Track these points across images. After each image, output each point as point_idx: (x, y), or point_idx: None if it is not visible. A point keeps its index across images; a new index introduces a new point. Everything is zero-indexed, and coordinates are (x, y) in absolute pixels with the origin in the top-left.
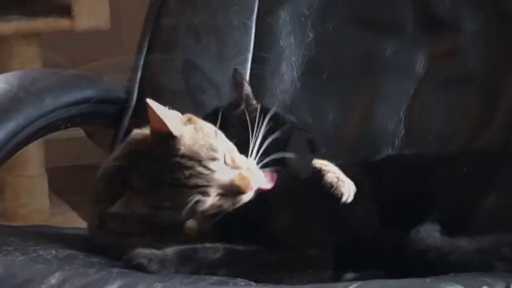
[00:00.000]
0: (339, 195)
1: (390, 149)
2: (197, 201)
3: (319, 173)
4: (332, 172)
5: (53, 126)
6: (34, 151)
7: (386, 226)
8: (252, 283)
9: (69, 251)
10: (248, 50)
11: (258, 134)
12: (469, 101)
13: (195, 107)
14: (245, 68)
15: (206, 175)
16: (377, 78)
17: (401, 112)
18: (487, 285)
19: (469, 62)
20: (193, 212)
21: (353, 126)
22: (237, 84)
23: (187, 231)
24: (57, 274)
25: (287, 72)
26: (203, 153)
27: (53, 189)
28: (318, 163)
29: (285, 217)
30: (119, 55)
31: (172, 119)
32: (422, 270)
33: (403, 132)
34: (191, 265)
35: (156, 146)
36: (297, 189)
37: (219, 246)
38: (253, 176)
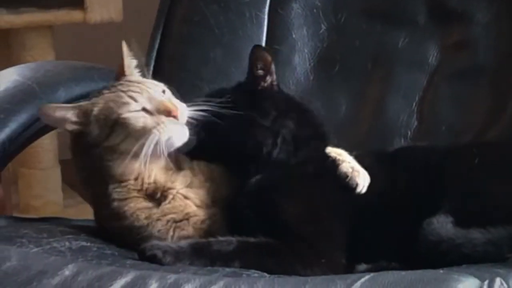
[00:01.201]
0: (354, 186)
1: (402, 140)
2: (124, 103)
3: (334, 163)
4: (347, 161)
5: None
6: (47, 143)
7: (399, 218)
8: (265, 274)
9: (82, 243)
10: (260, 42)
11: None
12: (480, 92)
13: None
14: None
15: (140, 86)
16: (390, 69)
17: (414, 104)
18: (500, 276)
19: (481, 53)
20: (116, 112)
21: (365, 118)
22: (265, 58)
23: (172, 210)
24: (70, 266)
25: (300, 64)
26: (146, 79)
27: (66, 181)
28: (333, 152)
29: (298, 209)
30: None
31: (132, 65)
32: (435, 261)
33: (415, 123)
34: (206, 257)
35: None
36: (309, 179)
37: (232, 239)
38: (182, 112)
